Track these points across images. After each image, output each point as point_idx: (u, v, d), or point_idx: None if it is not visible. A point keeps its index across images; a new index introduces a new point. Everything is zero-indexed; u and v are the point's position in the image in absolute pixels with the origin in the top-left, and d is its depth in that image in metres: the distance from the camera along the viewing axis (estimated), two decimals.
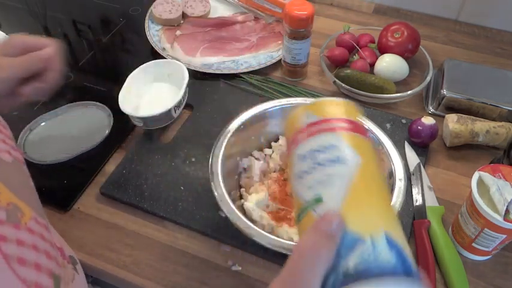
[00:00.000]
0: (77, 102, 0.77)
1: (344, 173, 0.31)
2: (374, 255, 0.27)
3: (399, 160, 0.57)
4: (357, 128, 0.33)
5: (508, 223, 0.50)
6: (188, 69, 0.77)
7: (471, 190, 0.53)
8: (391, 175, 0.57)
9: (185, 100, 0.76)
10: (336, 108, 0.34)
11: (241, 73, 0.82)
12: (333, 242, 0.29)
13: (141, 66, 0.77)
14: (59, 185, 0.67)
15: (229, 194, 0.55)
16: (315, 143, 0.32)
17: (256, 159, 0.65)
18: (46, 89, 0.55)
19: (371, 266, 0.27)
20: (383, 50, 0.82)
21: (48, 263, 0.37)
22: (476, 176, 0.54)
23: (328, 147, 0.31)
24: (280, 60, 0.83)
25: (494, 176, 0.53)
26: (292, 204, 0.60)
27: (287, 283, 0.29)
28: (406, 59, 0.80)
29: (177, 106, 0.73)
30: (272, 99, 0.68)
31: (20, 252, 0.33)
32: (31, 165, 0.68)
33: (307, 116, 0.33)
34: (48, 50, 0.54)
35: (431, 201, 0.63)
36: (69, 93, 0.81)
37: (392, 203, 0.53)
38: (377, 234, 0.28)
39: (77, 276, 0.47)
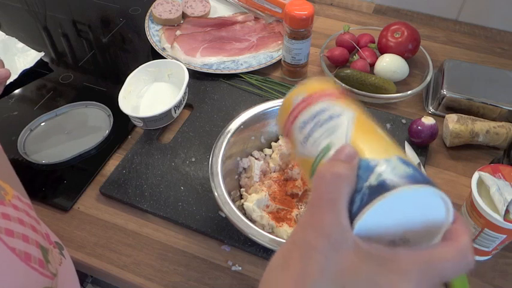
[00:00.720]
0: (77, 102, 0.77)
1: (344, 121, 0.33)
2: (393, 169, 0.29)
3: None
4: (342, 95, 0.37)
5: (508, 223, 0.50)
6: (188, 69, 0.77)
7: (471, 190, 0.53)
8: None
9: (185, 100, 0.76)
10: (319, 85, 0.37)
11: (241, 73, 0.82)
12: (350, 164, 0.29)
13: (141, 66, 0.77)
14: (59, 185, 0.67)
15: (229, 194, 0.55)
16: (310, 112, 0.35)
17: (256, 159, 0.65)
18: None
19: (392, 176, 0.28)
20: (383, 50, 0.82)
21: (35, 236, 0.38)
22: (476, 176, 0.54)
23: (323, 110, 0.34)
24: (280, 60, 0.83)
25: (494, 176, 0.53)
26: (292, 204, 0.60)
27: (313, 207, 0.29)
28: (406, 59, 0.80)
29: (177, 106, 0.73)
30: (272, 99, 0.68)
31: (7, 225, 0.35)
32: (31, 165, 0.68)
33: (296, 98, 0.37)
34: (3, 70, 0.64)
35: None
36: (69, 93, 0.81)
37: None
38: (390, 157, 0.30)
39: (64, 261, 0.49)
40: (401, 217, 0.29)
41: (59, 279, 0.43)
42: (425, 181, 0.29)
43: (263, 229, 0.54)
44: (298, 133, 0.35)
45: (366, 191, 0.28)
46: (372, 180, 0.28)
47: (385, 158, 0.30)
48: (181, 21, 0.92)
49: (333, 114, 0.34)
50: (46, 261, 0.39)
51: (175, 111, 0.73)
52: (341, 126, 0.33)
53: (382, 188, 0.28)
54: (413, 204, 0.29)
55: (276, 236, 0.52)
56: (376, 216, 0.28)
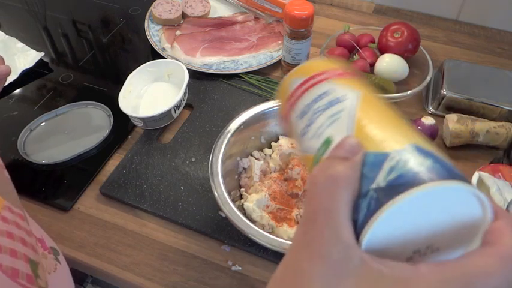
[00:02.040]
0: (77, 102, 0.77)
1: (346, 106, 0.27)
2: (406, 162, 0.23)
3: None
4: (345, 73, 0.31)
5: None
6: (188, 69, 0.77)
7: None
8: None
9: (185, 100, 0.76)
10: (319, 64, 0.32)
11: (241, 73, 0.82)
12: (351, 161, 0.24)
13: (141, 66, 0.77)
14: (59, 185, 0.67)
15: (229, 194, 0.55)
16: (309, 98, 0.30)
17: (256, 159, 0.65)
18: None
19: (406, 173, 0.22)
20: (383, 50, 0.82)
21: (24, 249, 0.37)
22: (476, 176, 0.54)
23: (323, 94, 0.29)
24: (280, 60, 0.83)
25: (494, 176, 0.53)
26: (292, 204, 0.60)
27: (306, 222, 0.23)
28: (406, 59, 0.80)
29: (177, 106, 0.73)
30: (272, 99, 0.68)
31: None
32: (31, 165, 0.68)
33: (293, 82, 0.32)
34: (4, 67, 0.63)
35: None
36: (69, 93, 0.81)
37: None
38: (404, 147, 0.24)
39: (59, 267, 0.48)
40: (424, 222, 0.23)
41: (54, 286, 0.42)
42: (450, 175, 0.23)
43: (263, 229, 0.54)
44: (297, 123, 0.30)
45: (373, 195, 0.23)
46: (380, 179, 0.23)
47: (398, 148, 0.24)
48: (181, 21, 0.92)
49: (333, 99, 0.28)
50: (35, 276, 0.38)
51: (175, 111, 0.73)
52: (343, 113, 0.27)
53: (392, 190, 0.22)
54: (436, 205, 0.23)
55: (276, 236, 0.52)
56: (389, 226, 0.22)
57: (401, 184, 0.22)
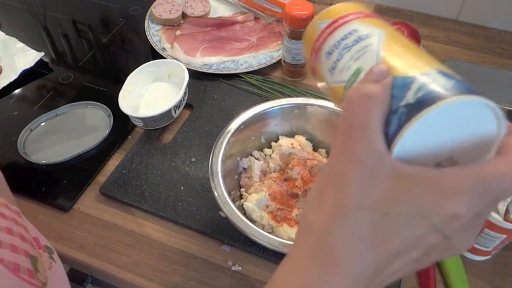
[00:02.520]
0: (77, 102, 0.77)
1: (373, 41, 0.31)
2: (432, 82, 0.26)
3: None
4: (369, 15, 0.34)
5: (508, 223, 0.50)
6: (188, 69, 0.77)
7: None
8: None
9: (185, 100, 0.76)
10: (344, 7, 0.35)
11: (241, 73, 0.82)
12: (381, 83, 0.27)
13: (141, 66, 0.77)
14: (59, 185, 0.67)
15: (229, 194, 0.55)
16: (336, 37, 0.33)
17: (256, 159, 0.65)
18: None
19: (432, 91, 0.25)
20: None
21: (24, 245, 0.37)
22: None
23: (350, 32, 0.32)
24: (280, 60, 0.83)
25: None
26: (292, 204, 0.60)
27: (342, 135, 0.27)
28: None
29: (177, 106, 0.73)
30: (272, 99, 0.68)
31: None
32: (31, 166, 0.68)
33: (319, 24, 0.35)
34: None
35: None
36: (69, 93, 0.81)
37: None
38: (429, 71, 0.27)
39: (54, 265, 0.48)
40: (447, 135, 0.26)
41: (49, 285, 0.42)
42: (470, 91, 0.26)
43: (263, 229, 0.54)
44: (325, 61, 0.33)
45: (403, 110, 0.26)
46: (409, 97, 0.26)
47: (423, 72, 0.27)
48: (181, 21, 0.92)
49: (361, 36, 0.31)
50: (35, 271, 0.38)
51: (175, 111, 0.73)
52: (371, 46, 0.30)
53: (420, 105, 0.25)
54: (458, 119, 0.26)
55: (276, 236, 0.52)
56: (416, 137, 0.26)
57: (428, 99, 0.25)
